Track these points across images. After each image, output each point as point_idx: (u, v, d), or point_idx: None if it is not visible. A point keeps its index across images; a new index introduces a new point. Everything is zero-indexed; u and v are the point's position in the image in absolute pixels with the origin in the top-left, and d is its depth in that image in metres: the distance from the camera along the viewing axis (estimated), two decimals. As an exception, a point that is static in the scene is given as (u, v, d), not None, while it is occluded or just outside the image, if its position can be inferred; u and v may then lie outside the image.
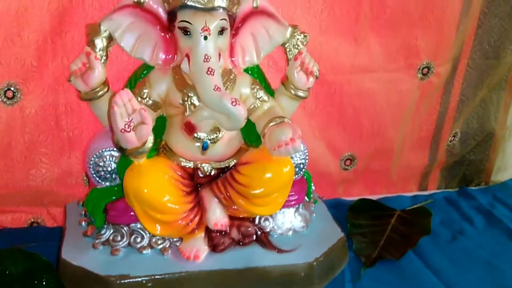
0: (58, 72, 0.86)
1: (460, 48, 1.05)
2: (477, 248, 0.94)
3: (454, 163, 1.19)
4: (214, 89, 0.71)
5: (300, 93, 0.84)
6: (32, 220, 0.97)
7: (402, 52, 0.99)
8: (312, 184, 0.92)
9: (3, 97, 0.85)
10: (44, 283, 0.76)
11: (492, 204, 1.09)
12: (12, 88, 0.85)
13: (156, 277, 0.75)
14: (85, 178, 0.96)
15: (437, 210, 1.04)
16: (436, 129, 1.11)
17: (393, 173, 1.13)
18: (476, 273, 0.88)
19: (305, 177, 0.90)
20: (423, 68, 1.02)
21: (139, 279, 0.75)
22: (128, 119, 0.69)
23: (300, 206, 0.88)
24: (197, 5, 0.71)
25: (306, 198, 0.91)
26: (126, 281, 0.74)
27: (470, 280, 0.86)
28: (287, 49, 0.84)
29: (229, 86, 0.77)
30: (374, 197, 1.06)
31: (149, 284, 0.75)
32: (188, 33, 0.72)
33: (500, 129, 1.16)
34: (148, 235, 0.80)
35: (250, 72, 0.83)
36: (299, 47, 0.84)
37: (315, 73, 0.83)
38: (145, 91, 0.77)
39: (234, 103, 0.71)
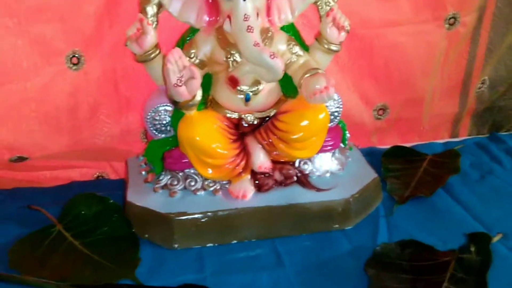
0: (115, 40, 0.95)
1: (485, -2, 1.08)
2: (505, 185, 1.00)
3: (484, 109, 1.22)
4: (254, 44, 0.77)
5: (333, 47, 0.88)
6: (98, 174, 1.07)
7: (429, 5, 1.04)
8: (347, 132, 0.99)
9: (69, 63, 0.95)
10: (113, 222, 0.86)
11: (521, 147, 1.13)
12: (76, 55, 0.95)
13: (209, 213, 0.85)
14: (142, 135, 1.06)
15: (468, 154, 1.10)
16: (465, 77, 1.15)
17: (424, 121, 1.18)
18: (504, 206, 0.94)
19: (340, 125, 0.97)
20: (450, 19, 1.06)
21: (195, 216, 0.84)
22: (180, 74, 0.77)
23: (336, 151, 0.96)
24: (235, -31, 0.78)
25: (341, 144, 0.98)
26: (184, 217, 0.84)
27: (498, 213, 0.92)
28: (319, 7, 0.89)
29: (267, 43, 0.82)
30: (407, 145, 1.12)
31: (204, 220, 0.84)
32: (229, -4, 0.78)
33: (528, 76, 1.19)
34: (201, 178, 0.89)
35: (286, 30, 0.88)
36: (330, 4, 0.88)
37: (346, 28, 0.87)
38: (193, 51, 0.84)
39: (272, 56, 0.77)
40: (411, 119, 1.17)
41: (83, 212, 0.88)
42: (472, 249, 0.78)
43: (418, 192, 0.96)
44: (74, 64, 0.95)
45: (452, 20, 1.06)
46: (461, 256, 0.77)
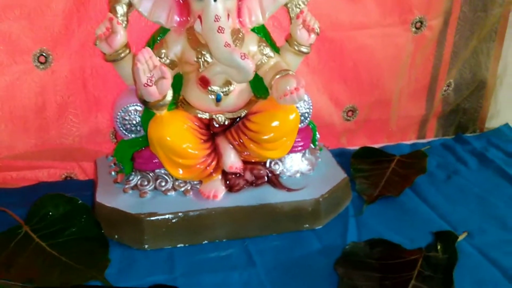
0: (84, 39, 0.94)
1: (450, 3, 1.11)
2: (470, 186, 1.03)
3: (450, 111, 1.25)
4: (224, 45, 0.78)
5: (303, 49, 0.89)
6: (66, 174, 1.06)
7: (396, 8, 1.06)
8: (317, 133, 1.00)
9: (36, 62, 0.94)
10: (82, 222, 0.85)
11: (486, 148, 1.17)
12: (44, 54, 0.93)
13: (180, 214, 0.85)
14: (111, 135, 1.05)
15: (434, 155, 1.13)
16: (432, 79, 1.18)
17: (392, 122, 1.20)
18: (469, 206, 0.96)
19: (310, 126, 0.98)
20: (416, 23, 1.09)
21: (166, 216, 0.84)
22: (150, 74, 0.77)
23: (307, 151, 0.97)
24: (206, -30, 0.78)
25: (311, 145, 0.99)
26: (154, 218, 0.84)
27: (463, 212, 0.94)
28: (290, 9, 0.90)
29: (238, 44, 0.83)
30: (375, 146, 1.14)
31: (174, 220, 0.84)
32: (199, -4, 0.79)
33: (492, 78, 1.22)
34: (171, 179, 0.89)
35: (256, 31, 0.89)
36: (300, 7, 0.90)
37: (316, 30, 0.88)
38: (163, 51, 0.84)
39: (243, 57, 0.78)
40: (380, 121, 1.20)
41: (50, 213, 0.86)
42: (439, 247, 0.80)
43: (387, 192, 0.98)
44: (42, 63, 0.94)
45: (418, 24, 1.09)
46: (428, 254, 0.79)
